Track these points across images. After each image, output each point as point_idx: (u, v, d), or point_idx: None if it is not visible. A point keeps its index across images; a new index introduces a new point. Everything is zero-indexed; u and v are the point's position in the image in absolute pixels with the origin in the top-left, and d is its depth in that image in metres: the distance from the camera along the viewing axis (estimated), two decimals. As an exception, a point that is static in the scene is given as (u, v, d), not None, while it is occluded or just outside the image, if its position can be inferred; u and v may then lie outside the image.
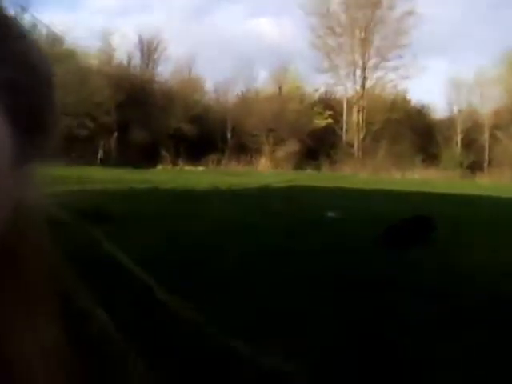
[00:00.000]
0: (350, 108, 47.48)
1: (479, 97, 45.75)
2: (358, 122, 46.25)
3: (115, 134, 41.51)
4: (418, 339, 3.81)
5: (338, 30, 47.67)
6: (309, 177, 33.23)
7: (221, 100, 48.94)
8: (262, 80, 51.78)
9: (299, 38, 69.70)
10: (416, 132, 45.11)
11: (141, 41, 46.52)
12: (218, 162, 43.28)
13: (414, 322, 4.23)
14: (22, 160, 0.32)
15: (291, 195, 17.50)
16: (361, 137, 45.61)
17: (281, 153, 44.13)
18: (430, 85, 62.42)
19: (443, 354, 3.54)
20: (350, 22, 47.01)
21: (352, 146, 45.58)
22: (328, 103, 47.96)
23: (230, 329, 3.76)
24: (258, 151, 44.68)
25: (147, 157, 40.27)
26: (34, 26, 36.28)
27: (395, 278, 5.64)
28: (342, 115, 47.50)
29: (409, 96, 49.03)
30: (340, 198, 17.54)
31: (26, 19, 39.16)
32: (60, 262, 0.37)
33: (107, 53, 43.29)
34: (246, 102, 47.37)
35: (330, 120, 47.09)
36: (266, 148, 44.63)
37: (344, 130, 47.02)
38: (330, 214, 11.92)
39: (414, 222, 8.20)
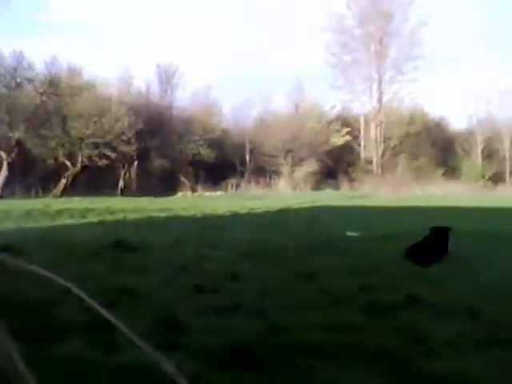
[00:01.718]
0: (367, 124, 47.26)
1: (498, 106, 45.22)
2: (376, 137, 45.98)
3: (135, 162, 42.01)
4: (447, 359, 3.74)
5: (353, 44, 47.79)
6: (329, 196, 33.11)
7: (238, 123, 49.27)
8: (279, 100, 51.93)
9: (314, 55, 69.71)
10: (435, 145, 44.79)
11: (159, 67, 47.31)
12: (237, 186, 43.43)
13: (439, 342, 4.16)
14: None
15: (311, 216, 17.45)
16: (379, 153, 45.28)
17: (300, 173, 44.12)
18: (448, 96, 62.02)
19: (471, 373, 3.47)
20: (364, 36, 47.12)
21: (371, 162, 45.31)
22: (345, 120, 47.87)
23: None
24: (277, 173, 44.76)
25: (167, 184, 40.64)
26: (54, 59, 37.44)
27: (420, 296, 5.57)
28: (359, 132, 47.30)
29: (426, 109, 48.58)
30: (360, 216, 17.47)
31: (46, 53, 40.27)
32: None
33: (126, 81, 44.05)
34: (264, 123, 47.60)
35: (347, 137, 46.96)
36: (285, 169, 44.67)
37: (362, 146, 46.80)
38: (350, 233, 11.87)
39: (432, 236, 8.07)
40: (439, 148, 45.02)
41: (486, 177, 41.28)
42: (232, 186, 43.09)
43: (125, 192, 38.71)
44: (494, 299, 5.49)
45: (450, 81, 58.95)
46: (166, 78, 47.53)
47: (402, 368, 3.60)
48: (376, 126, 46.19)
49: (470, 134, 45.37)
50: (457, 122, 57.54)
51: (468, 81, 59.67)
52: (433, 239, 7.97)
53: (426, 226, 8.24)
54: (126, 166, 41.33)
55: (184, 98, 48.24)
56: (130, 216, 17.23)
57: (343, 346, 4.05)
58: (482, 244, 10.01)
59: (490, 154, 44.03)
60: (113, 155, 37.61)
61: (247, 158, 46.35)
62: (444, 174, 41.98)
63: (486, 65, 56.79)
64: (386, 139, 45.56)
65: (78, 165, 36.91)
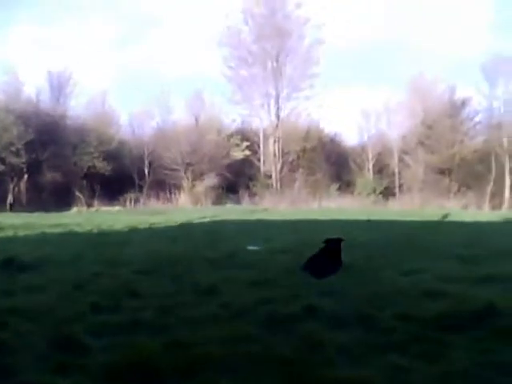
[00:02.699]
0: (266, 139, 48.03)
1: (387, 123, 47.63)
2: (274, 152, 46.87)
3: (26, 175, 39.79)
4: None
5: (250, 60, 48.21)
6: (229, 211, 33.33)
7: (136, 135, 48.20)
8: (178, 112, 50.75)
9: (214, 67, 69.65)
10: (330, 160, 46.49)
11: (51, 74, 45.12)
12: (136, 201, 42.38)
13: (336, 350, 4.32)
14: None
15: (213, 231, 17.48)
16: (278, 168, 46.23)
17: (200, 188, 43.97)
18: (342, 112, 64.88)
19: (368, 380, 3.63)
20: (261, 53, 47.57)
21: (270, 177, 46.16)
22: (245, 134, 48.37)
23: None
24: (178, 187, 44.25)
25: (61, 199, 38.80)
26: None
27: (317, 306, 5.75)
28: (259, 146, 48.02)
29: (322, 125, 50.01)
30: (261, 230, 17.76)
31: None
32: None
33: (14, 87, 41.51)
34: (163, 135, 46.86)
35: (247, 151, 47.55)
36: (186, 183, 44.36)
37: (262, 161, 47.56)
38: (251, 247, 12.01)
39: (327, 248, 8.34)
40: (334, 163, 46.72)
41: (378, 191, 43.39)
42: (130, 201, 41.97)
43: (14, 207, 36.55)
44: (385, 306, 5.79)
45: (343, 97, 61.73)
46: (59, 85, 45.48)
47: (302, 377, 3.70)
48: (274, 141, 47.09)
49: (362, 149, 47.40)
50: (350, 137, 60.24)
51: (359, 98, 63.29)
52: (327, 251, 8.27)
53: (322, 238, 8.53)
54: (16, 179, 39.06)
55: (78, 108, 46.26)
56: (21, 232, 16.34)
57: (244, 359, 4.10)
58: (372, 253, 10.55)
59: (380, 169, 46.34)
60: (0, 168, 35.51)
61: (146, 171, 45.48)
62: (339, 189, 43.65)
63: (374, 83, 60.37)
64: (284, 154, 46.63)
65: (-38, 178, 34.43)
